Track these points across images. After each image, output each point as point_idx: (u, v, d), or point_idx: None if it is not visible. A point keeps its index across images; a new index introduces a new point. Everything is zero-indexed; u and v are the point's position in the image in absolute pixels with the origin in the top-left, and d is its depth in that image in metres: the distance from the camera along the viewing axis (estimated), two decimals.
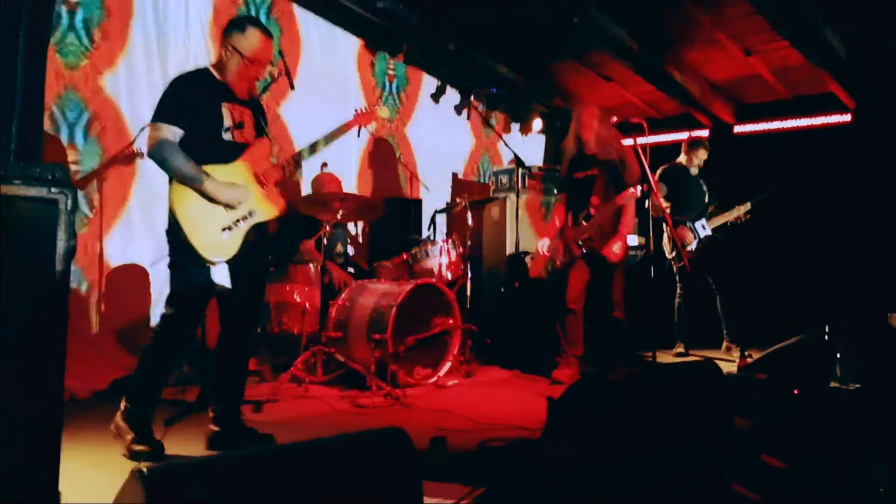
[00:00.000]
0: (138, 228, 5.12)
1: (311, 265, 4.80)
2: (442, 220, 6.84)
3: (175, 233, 2.96)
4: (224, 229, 2.99)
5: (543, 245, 4.92)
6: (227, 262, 3.01)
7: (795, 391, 3.81)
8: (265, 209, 3.15)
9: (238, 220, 3.03)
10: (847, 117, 6.37)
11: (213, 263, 2.96)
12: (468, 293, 5.19)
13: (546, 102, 7.72)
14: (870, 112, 6.18)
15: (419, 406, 4.04)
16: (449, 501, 2.35)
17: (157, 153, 2.94)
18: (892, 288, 5.27)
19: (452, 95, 7.07)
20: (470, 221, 5.44)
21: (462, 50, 6.50)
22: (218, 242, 2.98)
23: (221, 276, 3.00)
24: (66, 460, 1.88)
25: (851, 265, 5.95)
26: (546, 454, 2.62)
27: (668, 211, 5.57)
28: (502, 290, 5.92)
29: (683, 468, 2.77)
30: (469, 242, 5.34)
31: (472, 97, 6.83)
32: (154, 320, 5.12)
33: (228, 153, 3.08)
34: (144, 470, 1.53)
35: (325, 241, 4.51)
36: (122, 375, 4.42)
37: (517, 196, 6.01)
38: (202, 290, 3.03)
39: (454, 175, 7.38)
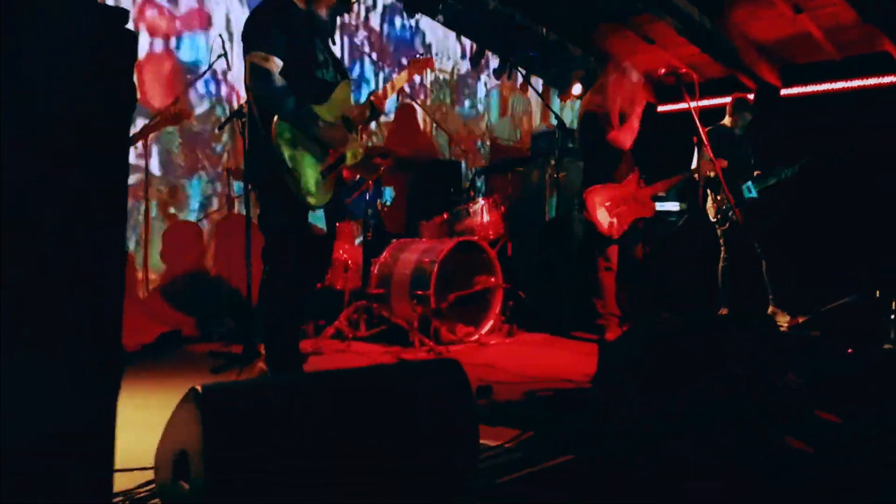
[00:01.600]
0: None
1: (354, 223, 4.79)
2: (480, 183, 6.77)
3: (272, 175, 2.71)
4: (323, 172, 2.80)
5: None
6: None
7: (849, 350, 3.73)
8: (352, 153, 2.96)
9: (334, 164, 2.85)
10: None
11: (313, 208, 2.78)
12: (509, 253, 5.13)
13: (586, 66, 7.58)
14: None
15: (463, 360, 3.93)
16: (498, 442, 2.34)
17: (266, 86, 2.64)
18: None
19: (491, 59, 6.98)
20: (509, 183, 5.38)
21: (502, 11, 6.39)
22: (317, 186, 2.78)
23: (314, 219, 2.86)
24: None
25: None
26: (596, 400, 2.59)
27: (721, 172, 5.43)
28: (541, 252, 5.86)
29: (735, 419, 2.72)
30: (509, 203, 5.29)
31: (511, 60, 6.72)
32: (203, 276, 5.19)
33: (321, 92, 2.84)
34: (198, 388, 1.53)
35: (367, 197, 4.49)
36: (169, 330, 4.50)
37: (557, 159, 5.91)
38: (297, 237, 2.81)
39: (493, 138, 7.30)
